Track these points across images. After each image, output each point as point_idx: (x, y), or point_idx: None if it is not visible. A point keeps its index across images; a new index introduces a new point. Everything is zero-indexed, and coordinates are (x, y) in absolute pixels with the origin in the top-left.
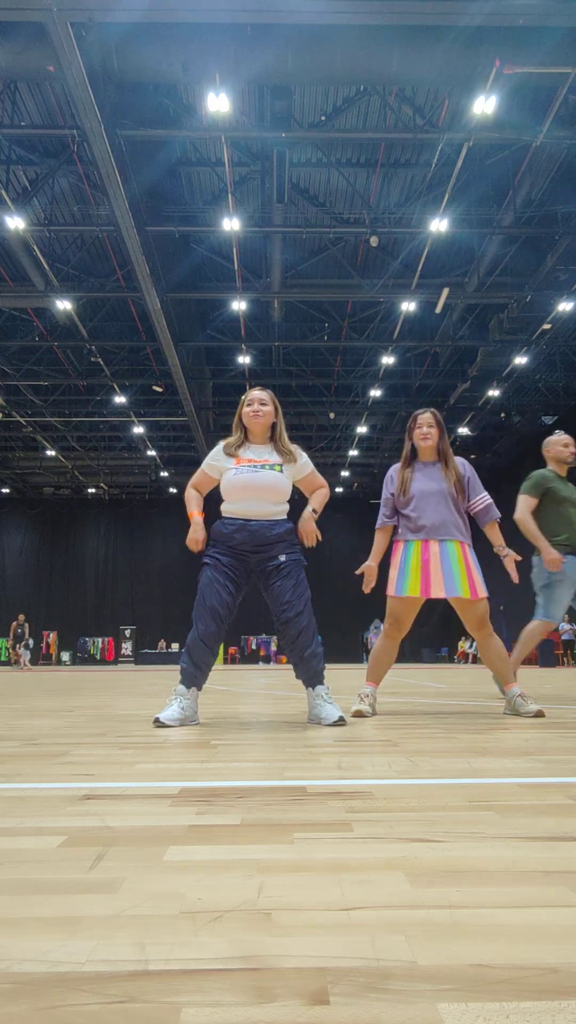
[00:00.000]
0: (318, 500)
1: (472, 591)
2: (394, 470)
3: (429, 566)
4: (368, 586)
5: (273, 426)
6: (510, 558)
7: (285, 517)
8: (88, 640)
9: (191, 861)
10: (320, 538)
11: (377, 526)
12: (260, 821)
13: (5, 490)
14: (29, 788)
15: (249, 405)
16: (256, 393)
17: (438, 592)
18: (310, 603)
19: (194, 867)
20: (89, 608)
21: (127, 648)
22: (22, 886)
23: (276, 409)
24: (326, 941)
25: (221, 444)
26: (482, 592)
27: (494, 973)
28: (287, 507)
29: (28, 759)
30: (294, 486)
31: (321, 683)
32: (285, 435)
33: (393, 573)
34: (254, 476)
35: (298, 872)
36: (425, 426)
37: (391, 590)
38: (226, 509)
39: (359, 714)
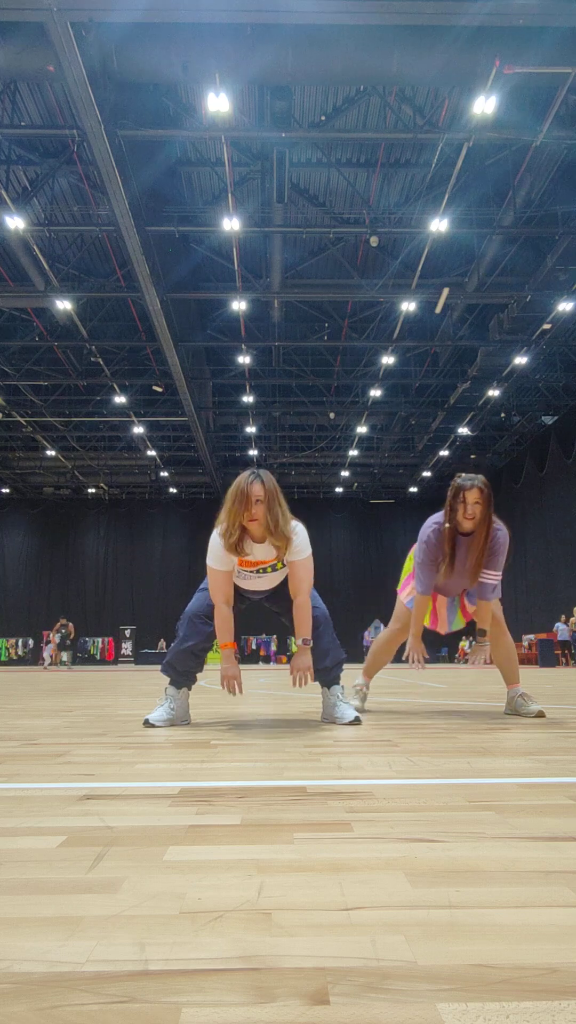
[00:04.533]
0: (304, 625)
1: (465, 616)
2: (435, 533)
3: (435, 605)
4: (421, 664)
5: (269, 520)
6: (482, 651)
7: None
8: (88, 640)
9: (191, 861)
10: (312, 675)
11: (420, 592)
12: (260, 821)
13: (5, 490)
14: (29, 788)
15: (246, 509)
16: (254, 490)
17: (443, 629)
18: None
19: (194, 867)
20: (89, 608)
21: (127, 648)
22: (22, 886)
23: (271, 500)
24: (326, 941)
25: (218, 541)
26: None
27: (494, 973)
28: None
29: (28, 759)
30: None
31: (337, 683)
32: (284, 517)
33: (408, 592)
34: (257, 580)
35: (298, 872)
36: (471, 504)
37: (404, 598)
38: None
39: (357, 709)
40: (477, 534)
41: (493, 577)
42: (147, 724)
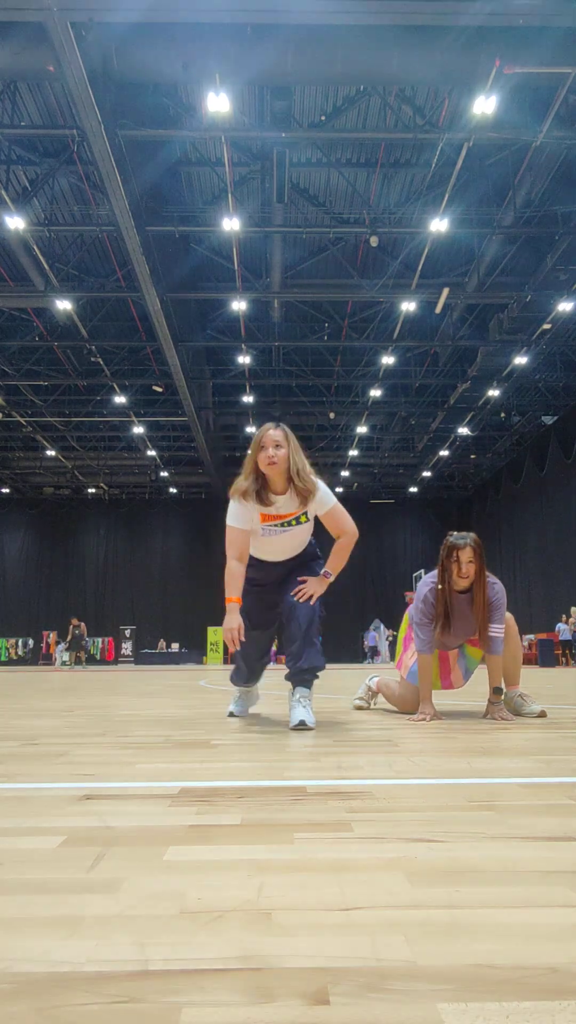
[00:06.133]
0: (336, 560)
1: (474, 644)
2: (431, 592)
3: (448, 663)
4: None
5: (290, 465)
6: (498, 712)
7: (309, 542)
8: (88, 640)
9: (191, 861)
10: (314, 600)
11: (421, 651)
12: (260, 821)
13: (5, 490)
14: (29, 788)
15: (263, 449)
16: (270, 434)
17: (458, 684)
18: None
19: (194, 867)
20: (89, 608)
21: (127, 648)
22: (22, 886)
23: (291, 445)
24: (326, 941)
25: (237, 497)
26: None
27: (494, 973)
28: (311, 539)
29: (28, 759)
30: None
31: (305, 685)
32: (304, 469)
33: (410, 655)
34: (281, 536)
35: (298, 872)
36: (465, 563)
37: (404, 672)
38: (252, 552)
39: (358, 707)
40: (475, 591)
41: (497, 629)
42: (231, 715)
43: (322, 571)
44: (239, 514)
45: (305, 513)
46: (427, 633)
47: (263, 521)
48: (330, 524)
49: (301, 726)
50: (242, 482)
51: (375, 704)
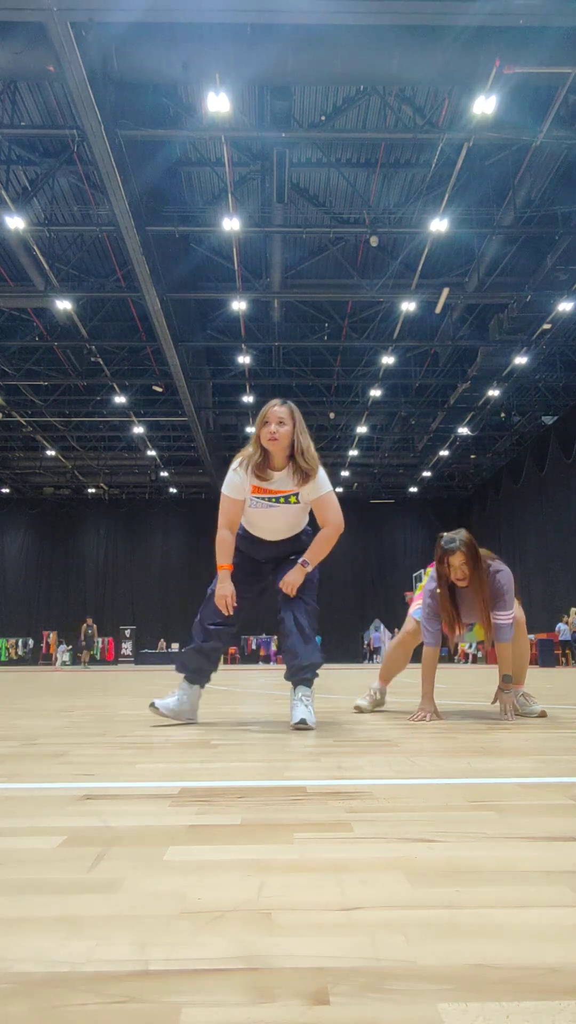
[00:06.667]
0: (316, 550)
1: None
2: (431, 596)
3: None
4: (430, 720)
5: (293, 444)
6: (508, 700)
7: (302, 530)
8: (80, 640)
9: (191, 861)
10: (293, 593)
11: (429, 643)
12: (260, 821)
13: (5, 490)
14: (29, 788)
15: (266, 424)
16: (275, 411)
17: (454, 640)
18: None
19: (194, 867)
20: (89, 608)
21: (127, 648)
22: (22, 886)
23: (296, 425)
24: (326, 941)
25: (237, 461)
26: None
27: (494, 973)
28: (304, 527)
29: (28, 759)
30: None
31: (305, 684)
32: (309, 450)
33: (416, 606)
34: (269, 511)
35: (298, 872)
36: (457, 567)
37: (412, 610)
38: (243, 523)
39: (357, 709)
40: (471, 588)
41: (504, 618)
42: (152, 707)
43: (300, 560)
44: (233, 483)
45: (296, 494)
46: (434, 626)
47: (253, 492)
48: (318, 511)
49: (302, 724)
50: (250, 450)
51: (378, 709)
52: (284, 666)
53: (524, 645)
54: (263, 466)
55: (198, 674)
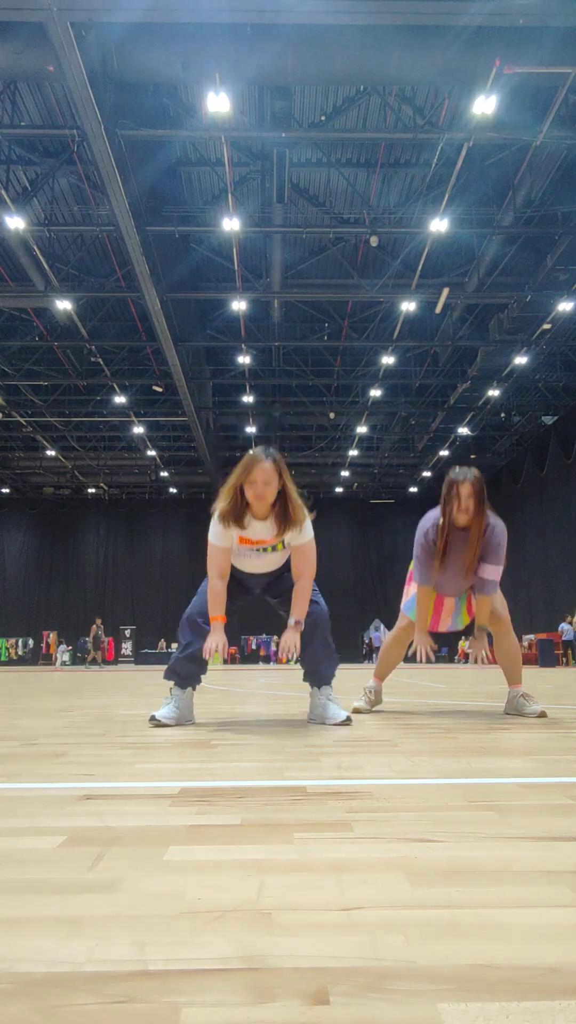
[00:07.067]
0: (300, 606)
1: (470, 613)
2: (433, 527)
3: (441, 609)
4: (430, 655)
5: (277, 498)
6: (480, 644)
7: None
8: (88, 640)
9: (191, 861)
10: (298, 652)
11: (421, 582)
12: (260, 821)
13: (5, 490)
14: (29, 788)
15: (252, 484)
16: (262, 468)
17: (443, 628)
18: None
19: (194, 867)
20: (89, 608)
21: (127, 648)
22: (22, 886)
23: (285, 478)
24: (326, 941)
25: (217, 519)
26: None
27: (494, 973)
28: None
29: (28, 759)
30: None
31: (327, 684)
32: (295, 502)
33: (410, 593)
34: (256, 560)
35: (298, 872)
36: (465, 498)
37: (404, 605)
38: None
39: (356, 711)
40: (472, 528)
41: (493, 572)
42: (153, 721)
43: (292, 621)
44: (219, 532)
45: (282, 541)
46: (427, 565)
47: (240, 543)
48: (297, 557)
49: (347, 722)
50: (224, 507)
51: (376, 709)
52: (285, 667)
53: (514, 644)
54: (242, 517)
55: (189, 679)
